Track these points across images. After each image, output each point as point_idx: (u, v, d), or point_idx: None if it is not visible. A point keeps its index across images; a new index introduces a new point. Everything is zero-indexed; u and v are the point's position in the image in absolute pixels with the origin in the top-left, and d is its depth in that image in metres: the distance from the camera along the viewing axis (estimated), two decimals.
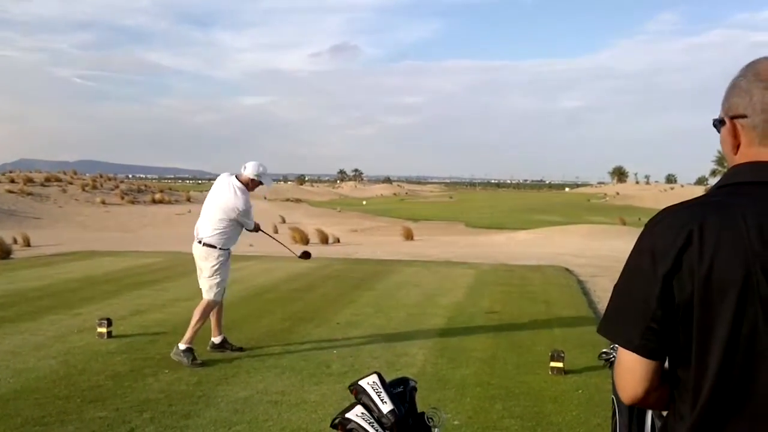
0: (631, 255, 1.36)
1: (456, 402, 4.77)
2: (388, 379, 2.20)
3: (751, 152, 1.34)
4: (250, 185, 6.05)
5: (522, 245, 20.01)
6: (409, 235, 24.61)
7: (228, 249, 6.00)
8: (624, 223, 32.31)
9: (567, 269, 12.71)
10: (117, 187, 46.59)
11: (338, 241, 22.64)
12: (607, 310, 1.39)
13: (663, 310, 1.27)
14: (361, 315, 7.88)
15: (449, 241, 24.08)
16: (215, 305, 6.02)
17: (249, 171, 6.00)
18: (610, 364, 2.55)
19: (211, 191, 6.09)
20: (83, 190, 42.90)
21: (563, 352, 5.55)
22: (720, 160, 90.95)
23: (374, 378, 2.17)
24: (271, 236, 7.28)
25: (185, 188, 71.25)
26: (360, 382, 2.18)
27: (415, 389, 2.26)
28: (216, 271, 5.91)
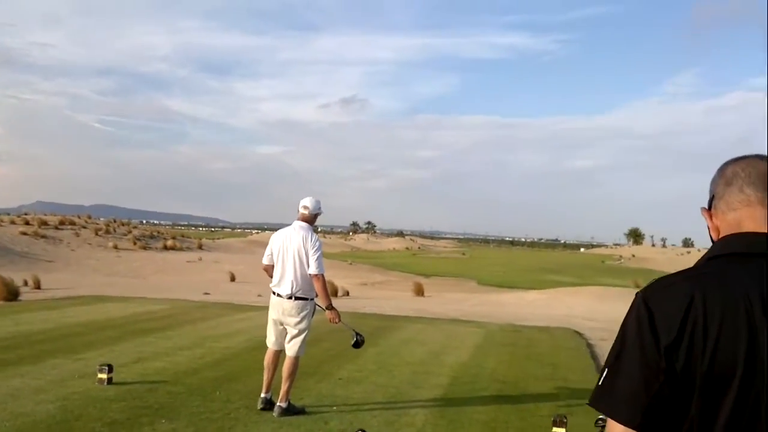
0: (627, 325, 1.29)
1: None
2: None
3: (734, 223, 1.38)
4: (314, 221, 6.08)
5: (532, 305, 19.80)
6: (419, 291, 24.45)
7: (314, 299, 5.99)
8: (638, 287, 31.93)
9: (576, 332, 12.52)
10: (130, 232, 46.98)
11: (347, 294, 22.54)
12: (603, 382, 1.30)
13: (667, 386, 1.22)
14: (363, 371, 7.79)
15: (459, 298, 23.89)
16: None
17: (313, 207, 6.01)
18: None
19: (278, 245, 5.91)
20: (96, 234, 43.21)
21: (566, 417, 5.43)
22: None
23: None
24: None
25: (198, 235, 71.69)
26: None
27: None
28: (309, 323, 5.90)
